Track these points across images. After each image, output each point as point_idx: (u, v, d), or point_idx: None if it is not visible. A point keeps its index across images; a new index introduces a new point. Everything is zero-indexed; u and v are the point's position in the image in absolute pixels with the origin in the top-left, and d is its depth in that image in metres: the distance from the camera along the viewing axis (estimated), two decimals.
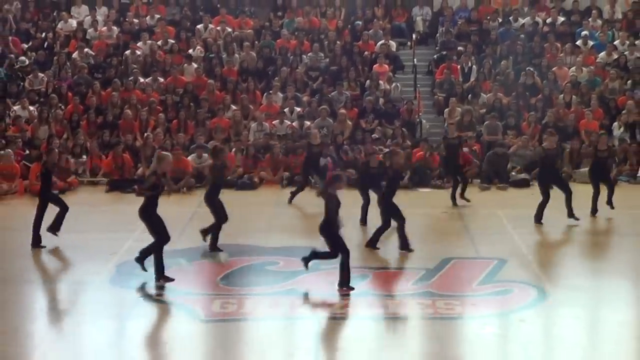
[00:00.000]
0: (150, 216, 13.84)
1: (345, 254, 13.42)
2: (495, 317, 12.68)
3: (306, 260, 13.75)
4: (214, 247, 15.42)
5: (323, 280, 14.11)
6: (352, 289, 13.39)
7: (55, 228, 16.00)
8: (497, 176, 21.73)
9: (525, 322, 12.38)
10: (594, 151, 18.93)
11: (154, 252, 13.82)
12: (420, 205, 17.60)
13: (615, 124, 22.98)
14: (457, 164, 19.86)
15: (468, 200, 19.32)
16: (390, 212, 15.43)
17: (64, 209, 16.08)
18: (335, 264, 14.00)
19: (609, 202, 18.35)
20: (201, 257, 15.35)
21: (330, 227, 13.41)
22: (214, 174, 15.53)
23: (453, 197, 19.36)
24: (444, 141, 20.59)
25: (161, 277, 13.77)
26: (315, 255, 13.76)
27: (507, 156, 21.84)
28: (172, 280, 13.74)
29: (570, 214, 17.37)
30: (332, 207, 13.41)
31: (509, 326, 12.38)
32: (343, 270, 13.46)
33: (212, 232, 15.47)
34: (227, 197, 18.93)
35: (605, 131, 21.27)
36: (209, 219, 15.46)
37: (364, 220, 17.29)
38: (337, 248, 13.44)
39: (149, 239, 13.81)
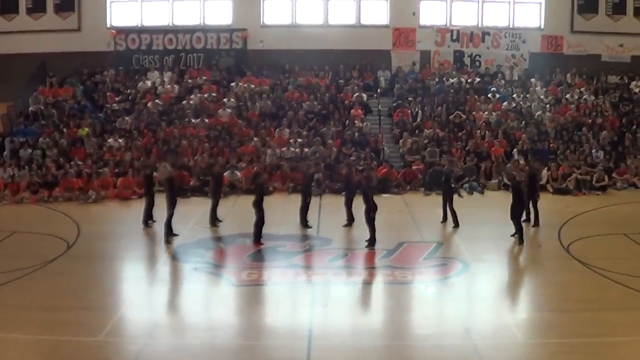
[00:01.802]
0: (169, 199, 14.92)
1: (261, 220, 14.49)
2: (434, 282, 12.65)
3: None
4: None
5: (315, 258, 14.04)
6: (259, 241, 14.45)
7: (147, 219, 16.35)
8: (436, 186, 21.37)
9: (454, 285, 12.39)
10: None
11: (168, 221, 14.69)
12: (382, 206, 17.37)
13: (515, 150, 22.87)
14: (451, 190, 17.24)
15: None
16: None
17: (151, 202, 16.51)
18: (327, 246, 14.01)
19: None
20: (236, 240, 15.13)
21: (257, 203, 14.46)
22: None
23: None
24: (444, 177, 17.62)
25: (168, 239, 14.66)
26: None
27: (442, 172, 21.57)
28: (177, 235, 14.79)
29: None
30: (260, 191, 14.63)
31: (444, 287, 12.36)
32: (256, 228, 14.54)
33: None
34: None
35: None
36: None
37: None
38: (259, 215, 14.47)
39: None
